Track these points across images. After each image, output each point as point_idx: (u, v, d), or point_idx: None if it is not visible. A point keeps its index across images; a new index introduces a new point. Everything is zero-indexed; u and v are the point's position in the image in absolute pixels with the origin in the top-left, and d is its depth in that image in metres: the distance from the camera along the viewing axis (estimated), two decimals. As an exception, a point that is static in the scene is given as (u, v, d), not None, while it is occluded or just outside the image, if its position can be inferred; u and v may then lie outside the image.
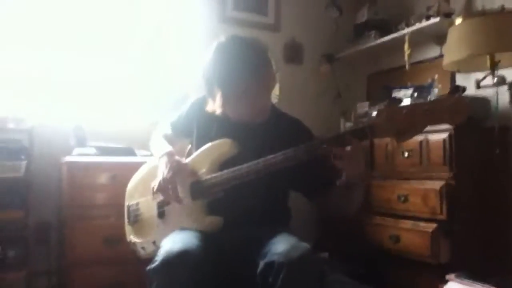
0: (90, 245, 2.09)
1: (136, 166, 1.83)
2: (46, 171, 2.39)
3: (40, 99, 2.49)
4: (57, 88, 2.54)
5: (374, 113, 2.53)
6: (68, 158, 2.16)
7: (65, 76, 2.57)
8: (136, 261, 1.96)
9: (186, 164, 1.56)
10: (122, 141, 2.43)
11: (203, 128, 1.60)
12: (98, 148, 2.28)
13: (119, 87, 2.72)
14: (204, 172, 1.51)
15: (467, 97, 1.20)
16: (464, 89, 2.11)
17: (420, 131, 1.24)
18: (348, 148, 1.29)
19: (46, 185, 2.39)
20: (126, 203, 1.76)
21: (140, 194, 1.70)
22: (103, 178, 2.16)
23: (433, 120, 1.23)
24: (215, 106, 1.49)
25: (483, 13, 2.10)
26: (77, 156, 2.22)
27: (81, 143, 2.32)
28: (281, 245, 1.30)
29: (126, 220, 1.75)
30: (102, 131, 2.53)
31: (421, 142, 2.15)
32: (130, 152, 2.34)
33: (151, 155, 2.03)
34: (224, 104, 1.47)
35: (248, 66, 1.42)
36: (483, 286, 1.78)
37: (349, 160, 1.30)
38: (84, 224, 2.11)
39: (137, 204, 1.70)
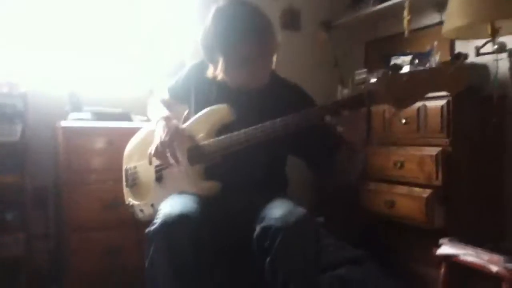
0: (88, 210, 2.11)
1: (132, 131, 1.83)
2: (42, 136, 2.38)
3: (34, 64, 2.46)
4: (51, 53, 2.50)
5: (373, 80, 2.52)
6: (63, 123, 2.15)
7: (59, 41, 2.52)
8: (134, 225, 1.99)
9: (184, 128, 1.56)
10: (118, 107, 2.41)
11: (201, 93, 1.59)
12: (93, 112, 2.26)
13: (115, 53, 2.68)
14: (202, 137, 1.51)
15: (467, 65, 1.19)
16: (466, 56, 2.08)
17: (420, 98, 1.24)
18: (347, 113, 1.28)
19: (42, 150, 2.38)
20: (124, 166, 1.76)
21: (138, 158, 1.70)
22: (99, 143, 2.16)
23: (433, 87, 1.23)
24: (216, 72, 1.48)
25: (485, -21, 2.06)
26: (72, 121, 2.20)
27: (77, 108, 2.30)
28: (278, 210, 1.32)
29: (124, 183, 1.76)
30: (98, 97, 2.52)
31: (419, 108, 2.15)
32: (126, 117, 2.33)
33: (148, 120, 2.03)
34: (226, 70, 1.45)
35: (250, 30, 1.40)
36: (474, 249, 1.81)
37: (348, 125, 1.30)
38: (82, 189, 2.11)
39: (135, 167, 1.71)
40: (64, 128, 2.12)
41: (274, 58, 1.52)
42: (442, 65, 1.28)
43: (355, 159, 1.43)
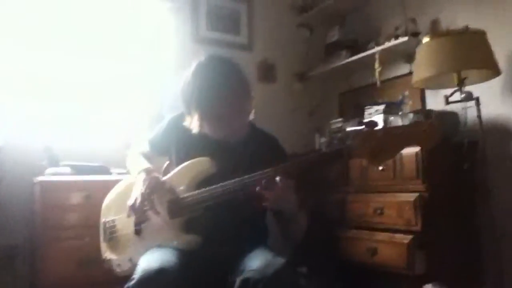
0: (64, 268, 2.03)
1: (111, 185, 1.81)
2: (18, 192, 2.32)
3: (8, 118, 2.43)
4: (26, 107, 2.49)
5: (349, 129, 2.59)
6: (41, 178, 2.11)
7: (33, 95, 2.52)
8: (111, 283, 1.92)
9: (164, 181, 1.56)
10: (95, 161, 2.39)
11: (182, 145, 1.61)
12: (72, 166, 2.23)
13: (91, 105, 2.68)
14: (182, 190, 1.51)
15: (439, 123, 1.30)
16: (436, 114, 2.17)
17: (394, 155, 1.31)
18: (279, 182, 1.34)
19: (16, 207, 2.32)
20: (102, 220, 1.73)
21: (116, 211, 1.68)
22: (77, 198, 2.12)
23: (406, 143, 1.30)
24: (192, 125, 1.51)
25: (448, 33, 2.19)
26: (50, 175, 2.17)
27: (54, 163, 2.27)
28: (256, 261, 1.32)
29: (101, 237, 1.72)
30: (74, 151, 2.48)
31: (394, 156, 2.20)
32: (104, 170, 2.31)
33: (127, 173, 2.01)
34: (201, 125, 1.49)
35: (226, 91, 1.45)
36: (458, 295, 1.81)
37: (277, 194, 1.35)
38: (58, 246, 2.05)
39: (113, 221, 1.68)
40: (42, 182, 2.08)
41: (251, 112, 1.57)
42: (416, 122, 1.37)
43: (288, 227, 1.50)
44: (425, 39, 2.23)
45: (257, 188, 1.36)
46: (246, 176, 1.39)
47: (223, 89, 1.45)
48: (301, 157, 1.40)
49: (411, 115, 2.23)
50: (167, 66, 2.89)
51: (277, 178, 1.34)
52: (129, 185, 1.63)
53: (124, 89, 2.80)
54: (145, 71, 2.87)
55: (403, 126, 1.33)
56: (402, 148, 1.30)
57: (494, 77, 2.20)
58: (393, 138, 1.27)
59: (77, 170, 2.23)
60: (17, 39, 2.48)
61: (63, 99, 2.59)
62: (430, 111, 2.27)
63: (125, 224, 1.62)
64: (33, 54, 2.52)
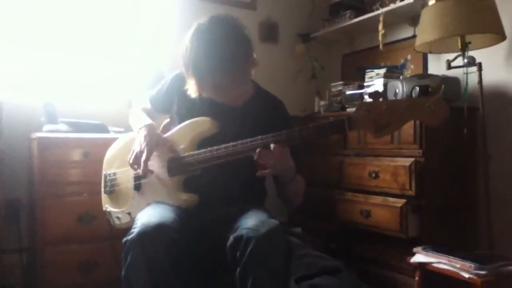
0: (63, 223, 2.07)
1: (109, 143, 1.81)
2: (16, 147, 2.33)
3: (9, 72, 2.40)
4: (26, 63, 2.46)
5: (349, 92, 2.57)
6: (38, 134, 2.11)
7: (35, 50, 2.48)
8: (110, 238, 1.97)
9: (165, 139, 1.56)
10: (94, 119, 2.39)
11: (184, 104, 1.60)
12: (69, 124, 2.23)
13: (91, 64, 2.64)
14: (183, 148, 1.51)
15: (447, 102, 1.25)
16: (445, 89, 2.13)
17: (398, 128, 1.28)
18: (277, 148, 1.34)
19: (16, 161, 2.33)
20: (104, 172, 1.75)
21: (118, 164, 1.69)
22: (75, 155, 2.12)
23: (411, 117, 1.28)
24: (190, 90, 1.49)
25: (455, -5, 2.14)
26: (47, 132, 2.17)
27: (52, 120, 2.27)
28: (250, 220, 1.33)
29: (102, 188, 1.75)
30: (74, 109, 2.48)
31: (392, 120, 2.20)
32: (103, 128, 2.31)
33: (126, 131, 2.02)
34: (199, 91, 1.47)
35: (223, 59, 1.39)
36: (447, 257, 1.85)
37: (274, 159, 1.36)
38: (57, 202, 2.07)
39: (115, 174, 1.70)
40: (39, 139, 2.08)
41: (252, 73, 1.54)
42: (422, 97, 1.32)
43: (285, 190, 1.52)
44: (431, 2, 2.17)
45: (257, 152, 1.36)
46: (247, 140, 1.39)
47: (220, 56, 1.39)
48: (303, 128, 1.37)
49: (412, 81, 2.20)
50: (169, 24, 2.83)
51: (275, 145, 1.34)
52: (132, 139, 1.62)
53: (125, 47, 2.76)
54: (146, 29, 2.82)
55: (408, 100, 1.28)
56: (406, 123, 1.27)
57: (499, 42, 2.16)
58: (397, 112, 1.25)
59: (76, 127, 2.22)
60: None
61: (63, 55, 2.55)
62: (431, 76, 2.25)
63: (125, 178, 1.64)
64: (33, 5, 2.48)
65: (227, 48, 1.39)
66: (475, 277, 1.73)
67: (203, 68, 1.41)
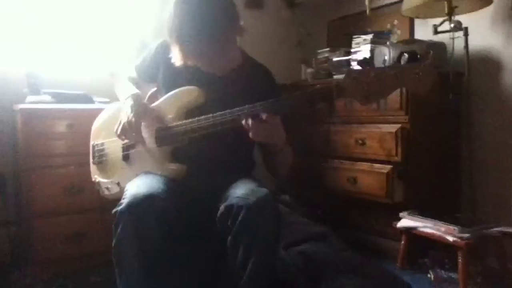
0: (50, 195, 2.05)
1: (94, 114, 1.79)
2: (-1, 119, 2.29)
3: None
4: (7, 31, 2.38)
5: (336, 59, 2.56)
6: (21, 106, 2.07)
7: (16, 19, 2.40)
8: (98, 210, 1.97)
9: (153, 109, 1.55)
10: (78, 89, 2.34)
11: (170, 73, 1.57)
12: (53, 94, 2.18)
13: (74, 33, 2.57)
14: (170, 118, 1.51)
15: (433, 68, 1.25)
16: (433, 57, 2.13)
17: (386, 95, 1.28)
18: (266, 117, 1.33)
19: (-1, 134, 2.30)
20: (92, 142, 1.74)
21: (106, 134, 1.68)
22: (60, 127, 2.08)
23: (399, 85, 1.29)
24: (174, 58, 1.47)
25: (442, -42, 2.11)
26: (31, 103, 2.13)
27: (35, 90, 2.22)
28: (240, 190, 1.35)
29: (91, 159, 1.74)
30: (57, 79, 2.42)
31: (379, 87, 2.20)
32: (87, 99, 2.26)
33: (110, 101, 1.98)
34: (184, 59, 1.45)
35: (207, 26, 1.37)
36: (432, 221, 1.90)
37: (266, 128, 1.35)
38: (42, 174, 2.04)
39: (102, 144, 1.69)
40: (23, 110, 2.04)
41: (237, 40, 1.51)
42: (410, 65, 1.32)
43: (274, 160, 1.51)
44: (418, -35, 2.14)
45: (244, 122, 1.35)
46: (235, 109, 1.38)
47: (204, 22, 1.37)
48: (290, 96, 1.36)
49: (399, 47, 2.19)
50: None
51: (264, 114, 1.33)
52: (119, 109, 1.60)
53: (108, 15, 2.69)
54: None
55: (396, 67, 1.28)
56: (394, 90, 1.28)
57: (485, 7, 2.15)
58: (385, 80, 1.25)
59: (59, 98, 2.18)
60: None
61: (45, 24, 2.48)
62: (418, 41, 2.24)
63: (114, 148, 1.64)
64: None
65: (210, 14, 1.38)
66: (459, 240, 1.78)
67: (187, 35, 1.39)
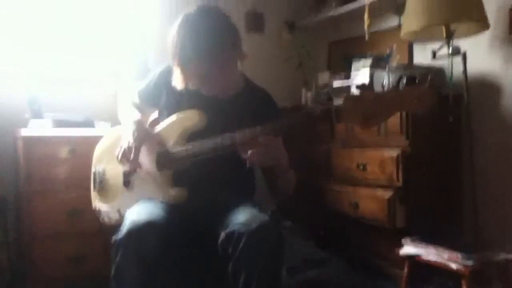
0: (51, 219, 2.07)
1: (96, 139, 1.80)
2: (0, 144, 2.30)
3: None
4: (9, 58, 2.41)
5: (336, 85, 2.57)
6: (23, 131, 2.09)
7: (17, 45, 2.44)
8: (99, 234, 1.97)
9: (154, 133, 1.56)
10: (80, 113, 2.36)
11: (172, 97, 1.59)
12: (55, 120, 2.20)
13: (77, 56, 2.61)
14: (172, 143, 1.51)
15: (432, 91, 1.25)
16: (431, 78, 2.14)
17: (385, 119, 1.28)
18: (265, 140, 1.33)
19: (0, 159, 2.30)
20: (93, 169, 1.75)
21: (107, 160, 1.69)
22: (61, 152, 2.10)
23: (399, 108, 1.29)
24: (175, 81, 1.48)
25: (440, -16, 2.13)
26: (33, 129, 2.14)
27: (37, 115, 2.24)
28: (241, 216, 1.34)
29: (92, 186, 1.74)
30: (59, 103, 2.45)
31: (379, 111, 2.21)
32: (89, 124, 2.28)
33: (111, 125, 2.00)
34: (185, 81, 1.46)
35: (208, 48, 1.39)
36: (436, 248, 1.88)
37: (264, 150, 1.34)
38: (43, 198, 2.06)
39: (104, 170, 1.69)
40: (25, 137, 2.06)
41: (238, 65, 1.53)
42: (409, 87, 1.33)
43: (276, 183, 1.51)
44: (416, -10, 2.17)
45: (244, 145, 1.35)
46: (235, 134, 1.38)
47: (206, 44, 1.39)
48: (289, 117, 1.37)
49: (398, 71, 2.21)
50: (154, 16, 2.79)
51: (263, 137, 1.34)
52: (120, 135, 1.61)
53: (110, 39, 2.72)
54: (131, 22, 2.78)
55: (395, 91, 1.29)
56: (393, 113, 1.28)
57: (483, 31, 2.17)
58: (384, 103, 1.25)
59: (61, 123, 2.20)
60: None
61: (47, 49, 2.52)
62: (417, 66, 2.26)
63: (115, 174, 1.64)
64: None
65: (213, 37, 1.40)
66: (462, 268, 1.76)
67: (189, 57, 1.41)
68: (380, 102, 1.25)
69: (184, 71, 1.44)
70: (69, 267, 2.08)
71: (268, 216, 1.35)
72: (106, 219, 1.66)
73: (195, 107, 1.52)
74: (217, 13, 1.46)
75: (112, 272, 1.31)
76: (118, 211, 1.60)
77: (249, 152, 1.34)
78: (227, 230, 1.32)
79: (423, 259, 1.92)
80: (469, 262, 1.75)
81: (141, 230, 1.29)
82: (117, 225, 1.37)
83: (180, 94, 1.54)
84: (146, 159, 1.53)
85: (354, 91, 2.33)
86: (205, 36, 1.40)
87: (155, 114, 1.74)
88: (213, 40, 1.40)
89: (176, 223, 1.39)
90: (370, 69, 2.38)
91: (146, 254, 1.28)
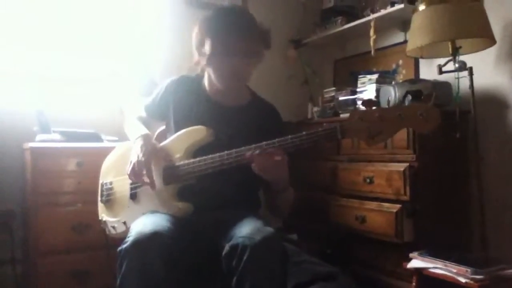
0: (56, 233, 2.05)
1: (102, 152, 1.81)
2: (8, 157, 2.31)
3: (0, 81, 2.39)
4: (16, 71, 2.44)
5: (342, 98, 2.58)
6: (31, 144, 2.10)
7: (26, 60, 2.47)
8: (105, 248, 1.96)
9: (161, 148, 1.57)
10: (87, 127, 2.37)
11: (180, 109, 1.61)
12: (62, 133, 2.21)
13: (84, 72, 2.64)
14: (178, 157, 1.52)
15: (439, 107, 1.26)
16: (436, 97, 2.15)
17: (391, 136, 1.28)
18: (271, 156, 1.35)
19: (8, 172, 2.31)
20: (100, 181, 1.76)
21: (115, 173, 1.70)
22: (68, 165, 2.11)
23: (404, 125, 1.29)
24: (199, 59, 1.53)
25: (445, 1, 2.15)
26: (40, 142, 2.16)
27: (45, 129, 2.25)
28: (245, 228, 1.33)
29: (99, 198, 1.75)
30: (66, 117, 2.46)
31: (386, 125, 2.21)
32: (96, 137, 2.29)
33: (118, 140, 2.01)
34: (211, 56, 1.49)
35: (239, 26, 1.48)
36: (443, 262, 1.86)
37: (270, 166, 1.37)
38: (49, 212, 2.05)
39: (111, 183, 1.70)
40: (32, 149, 2.07)
41: (254, 67, 1.57)
42: (414, 104, 1.33)
43: (275, 200, 1.53)
44: (421, 7, 2.19)
45: (249, 160, 1.36)
46: (242, 148, 1.39)
47: (236, 24, 1.47)
48: (295, 134, 1.37)
49: (404, 86, 2.22)
50: (160, 31, 2.83)
51: (272, 148, 1.35)
52: (128, 149, 1.63)
53: (116, 55, 2.76)
54: (137, 36, 2.82)
55: (400, 108, 1.29)
56: (398, 131, 1.28)
57: (489, 47, 2.19)
58: (389, 120, 1.25)
59: (69, 136, 2.21)
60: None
61: (55, 63, 2.55)
62: (423, 81, 2.26)
63: (122, 187, 1.64)
64: (23, 10, 2.47)
65: (241, 19, 1.51)
66: (471, 282, 1.74)
67: (220, 27, 1.48)
68: (385, 119, 1.26)
69: (213, 42, 1.48)
70: (74, 282, 2.06)
71: (273, 229, 1.35)
72: (112, 231, 1.66)
73: (203, 117, 1.53)
74: (248, 13, 1.58)
75: (118, 282, 1.30)
76: (124, 223, 1.60)
77: (257, 160, 1.36)
78: (231, 243, 1.31)
79: (432, 273, 1.89)
80: (479, 277, 1.72)
81: (146, 241, 1.28)
82: (122, 238, 1.36)
83: (188, 105, 1.57)
84: (153, 173, 1.53)
85: (360, 106, 2.34)
86: (236, 18, 1.49)
87: (161, 128, 1.75)
88: (242, 22, 1.49)
89: (182, 235, 1.39)
90: (376, 85, 2.39)
91: (151, 265, 1.27)
